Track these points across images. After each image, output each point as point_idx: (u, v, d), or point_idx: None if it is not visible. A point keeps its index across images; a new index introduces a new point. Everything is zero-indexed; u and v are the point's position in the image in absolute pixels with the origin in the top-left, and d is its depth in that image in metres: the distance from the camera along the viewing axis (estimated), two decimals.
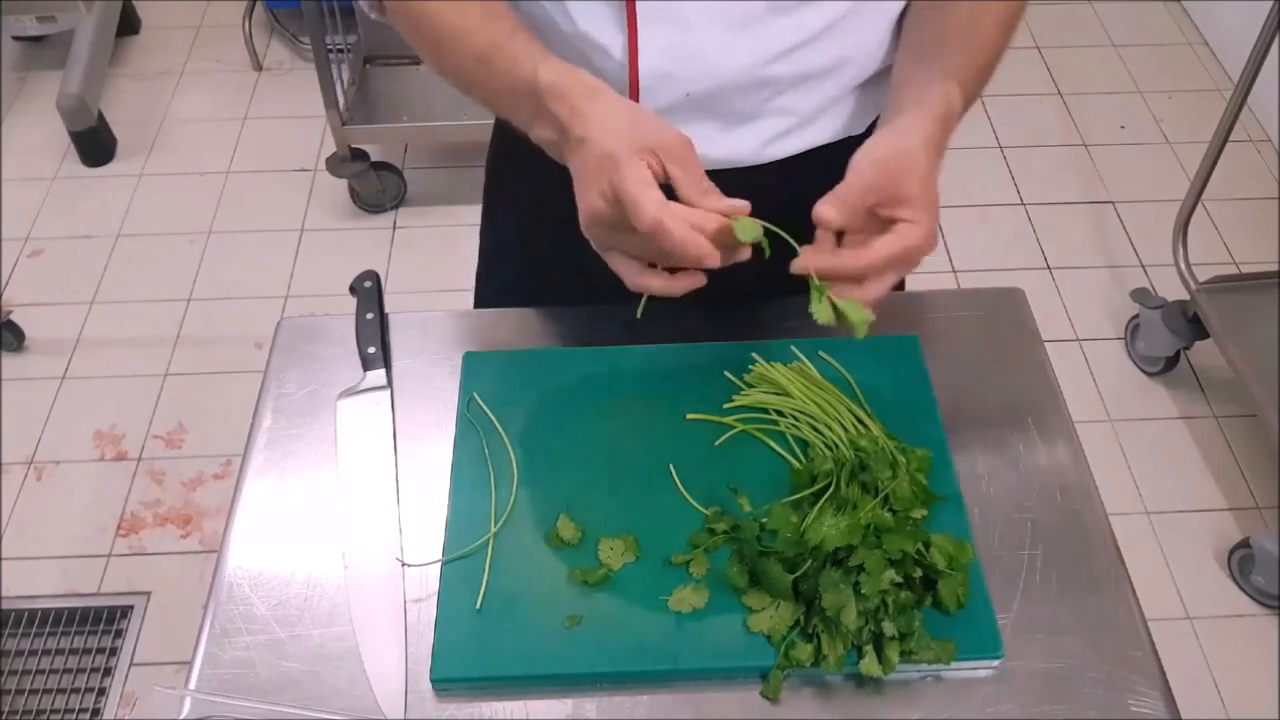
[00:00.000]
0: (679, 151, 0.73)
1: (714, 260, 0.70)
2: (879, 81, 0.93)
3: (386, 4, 0.87)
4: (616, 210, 0.71)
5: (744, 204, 0.73)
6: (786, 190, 0.81)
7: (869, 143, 0.76)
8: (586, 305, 0.96)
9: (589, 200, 0.73)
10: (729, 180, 0.90)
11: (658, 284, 0.74)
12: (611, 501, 0.80)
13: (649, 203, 0.69)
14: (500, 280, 1.14)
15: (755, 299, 0.95)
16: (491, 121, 1.04)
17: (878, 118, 0.97)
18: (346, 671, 0.73)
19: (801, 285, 0.74)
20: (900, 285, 1.12)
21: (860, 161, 0.74)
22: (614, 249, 0.74)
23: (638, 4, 0.82)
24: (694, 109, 0.87)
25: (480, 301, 1.16)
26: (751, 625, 0.73)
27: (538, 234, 1.06)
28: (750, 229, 0.71)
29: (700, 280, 0.73)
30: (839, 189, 0.73)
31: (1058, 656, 0.74)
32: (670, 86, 0.86)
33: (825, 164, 0.82)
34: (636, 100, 0.87)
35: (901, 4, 0.89)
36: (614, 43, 0.85)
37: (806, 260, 0.72)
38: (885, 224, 0.73)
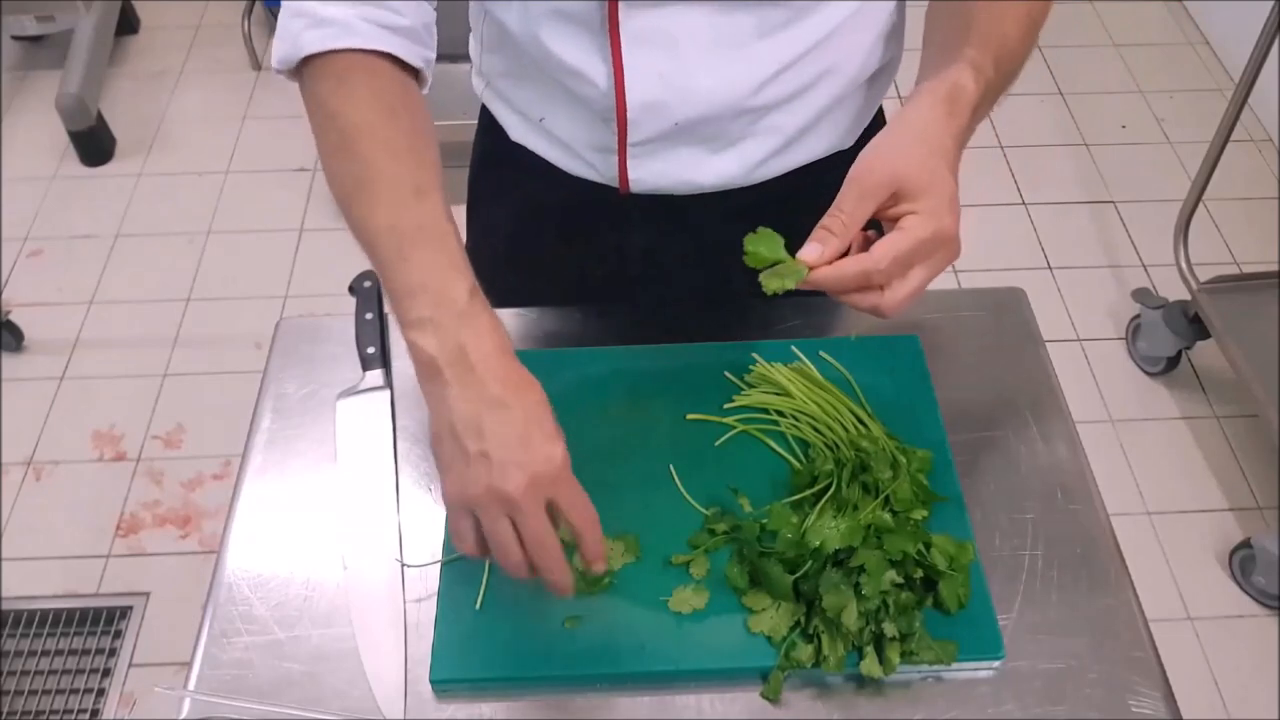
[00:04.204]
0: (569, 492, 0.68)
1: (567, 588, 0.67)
2: (865, 90, 0.92)
3: (303, 91, 0.79)
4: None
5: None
6: (778, 208, 0.80)
7: (865, 148, 0.71)
8: (585, 305, 0.96)
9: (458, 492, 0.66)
10: (719, 202, 0.90)
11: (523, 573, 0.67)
12: (611, 502, 0.80)
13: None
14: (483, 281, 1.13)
15: (755, 299, 0.95)
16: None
17: (866, 130, 0.96)
18: (346, 672, 0.73)
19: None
20: None
21: (853, 172, 0.70)
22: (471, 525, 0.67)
23: (622, 29, 0.80)
24: (680, 136, 0.86)
25: None
26: (752, 626, 0.73)
27: (520, 236, 1.05)
28: (778, 280, 0.68)
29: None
30: (829, 214, 0.69)
31: (1059, 657, 0.73)
32: (660, 116, 0.84)
33: (815, 180, 0.81)
34: (624, 131, 0.85)
35: (888, 13, 0.88)
36: (597, 71, 0.82)
37: (814, 276, 0.68)
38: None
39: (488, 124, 1.00)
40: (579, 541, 0.68)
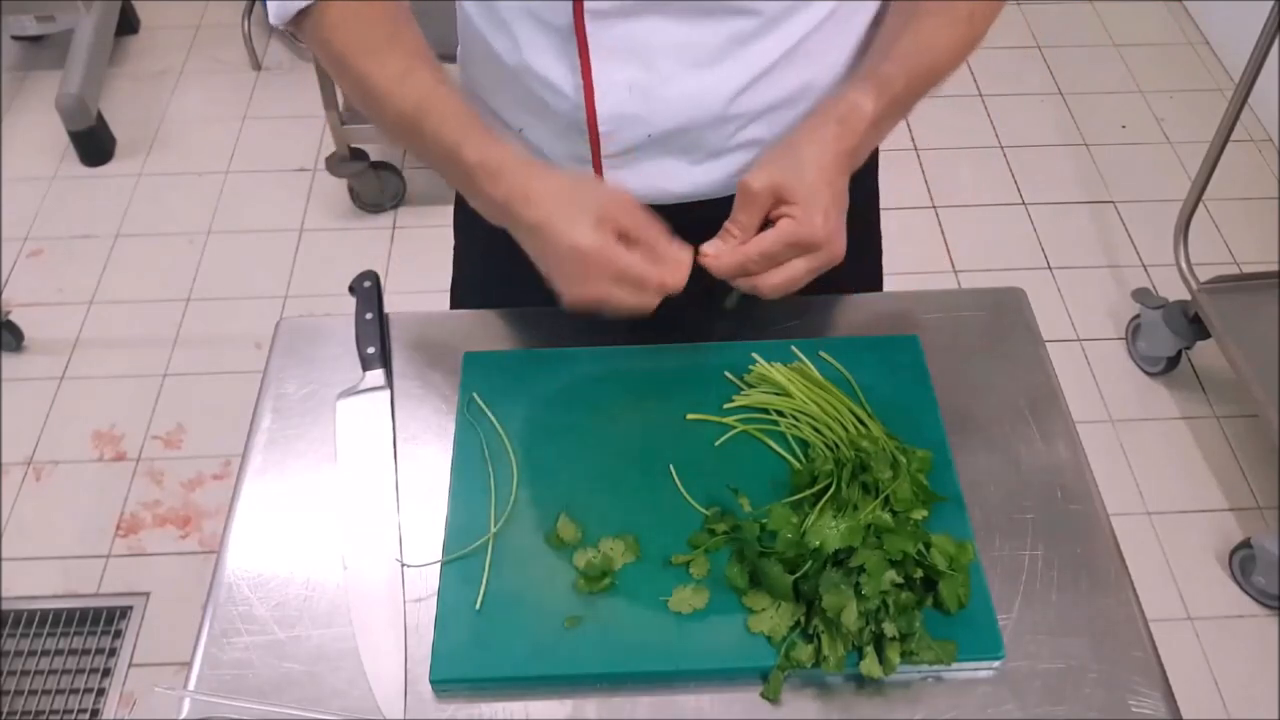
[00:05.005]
0: (630, 212, 0.77)
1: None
2: None
3: (305, 41, 0.87)
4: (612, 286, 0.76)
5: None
6: None
7: (756, 162, 0.80)
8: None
9: (577, 289, 0.77)
10: (694, 213, 0.91)
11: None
12: (611, 501, 0.80)
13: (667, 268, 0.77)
14: (471, 281, 1.13)
15: (755, 299, 0.95)
16: None
17: None
18: (346, 672, 0.73)
19: (806, 286, 0.75)
20: (878, 284, 1.12)
21: (740, 183, 0.78)
22: (607, 309, 0.78)
23: (590, 40, 0.80)
24: (657, 147, 0.86)
25: (455, 304, 1.15)
26: (752, 626, 0.73)
27: (506, 236, 1.05)
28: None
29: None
30: (730, 218, 0.79)
31: (1058, 657, 0.73)
32: (632, 127, 0.84)
33: None
34: (597, 143, 0.86)
35: (862, 27, 0.88)
36: (566, 81, 0.83)
37: (706, 264, 0.79)
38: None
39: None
40: (653, 252, 0.77)
